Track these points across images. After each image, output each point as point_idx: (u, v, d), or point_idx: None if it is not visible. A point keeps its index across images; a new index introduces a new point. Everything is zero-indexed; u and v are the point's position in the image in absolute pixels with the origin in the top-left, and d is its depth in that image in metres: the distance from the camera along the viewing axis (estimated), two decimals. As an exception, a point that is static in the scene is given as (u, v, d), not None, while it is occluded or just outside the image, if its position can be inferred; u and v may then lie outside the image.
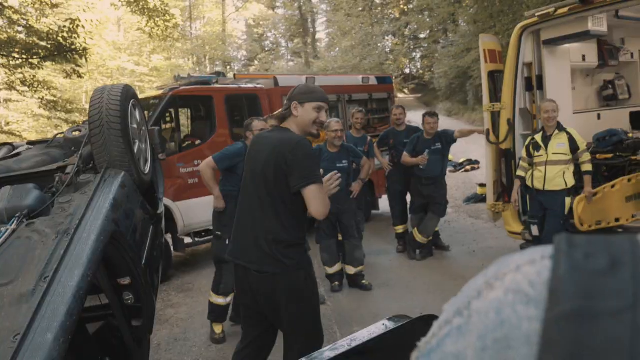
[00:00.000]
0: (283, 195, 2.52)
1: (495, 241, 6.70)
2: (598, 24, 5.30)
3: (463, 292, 0.37)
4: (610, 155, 5.43)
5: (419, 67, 36.04)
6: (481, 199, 8.95)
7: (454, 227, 7.76)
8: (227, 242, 4.29)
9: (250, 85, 7.48)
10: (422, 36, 33.73)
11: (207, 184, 4.40)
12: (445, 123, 11.63)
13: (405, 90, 33.45)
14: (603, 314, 0.29)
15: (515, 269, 0.34)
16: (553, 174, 4.61)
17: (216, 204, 4.38)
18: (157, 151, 3.36)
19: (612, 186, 4.74)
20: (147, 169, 2.83)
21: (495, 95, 5.54)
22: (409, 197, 6.51)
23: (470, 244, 6.74)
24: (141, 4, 13.12)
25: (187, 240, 6.52)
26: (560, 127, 4.67)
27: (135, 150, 2.56)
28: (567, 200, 4.61)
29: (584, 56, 6.23)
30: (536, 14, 5.16)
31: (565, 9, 4.92)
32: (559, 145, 4.63)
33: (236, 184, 4.35)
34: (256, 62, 39.01)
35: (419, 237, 6.12)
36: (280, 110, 2.71)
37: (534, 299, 0.32)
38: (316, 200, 2.46)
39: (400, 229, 6.60)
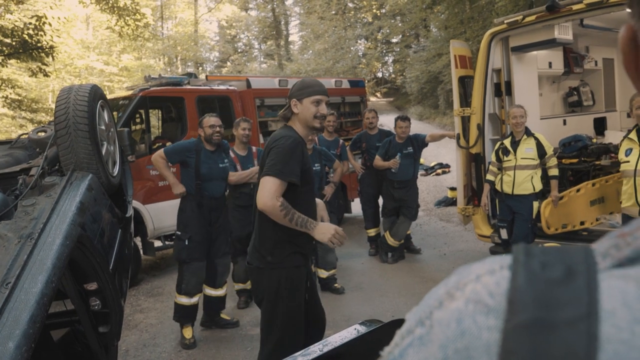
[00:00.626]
0: None
1: (466, 244, 6.81)
2: (564, 32, 5.45)
3: (425, 302, 0.38)
4: (575, 160, 5.58)
5: (391, 71, 36.44)
6: (452, 202, 9.09)
7: (425, 230, 7.85)
8: (187, 243, 4.25)
9: (222, 87, 7.42)
10: (394, 40, 34.08)
11: (162, 173, 4.47)
12: (416, 127, 11.77)
13: (378, 94, 33.74)
14: (559, 323, 0.29)
15: (475, 279, 0.35)
16: (521, 178, 4.71)
17: (175, 190, 4.34)
18: (126, 153, 3.31)
19: (577, 190, 4.87)
20: (116, 171, 2.78)
21: (466, 100, 5.63)
22: (381, 201, 6.56)
23: (441, 246, 6.83)
24: (111, 2, 12.89)
25: (157, 243, 6.42)
26: (528, 133, 4.78)
27: (103, 152, 2.51)
28: (535, 204, 4.71)
29: (550, 63, 6.40)
30: (505, 21, 5.28)
31: (533, 17, 5.04)
32: (527, 150, 4.73)
33: (191, 181, 4.31)
34: (229, 64, 38.77)
35: (390, 241, 6.16)
36: (282, 110, 2.75)
37: (494, 309, 0.32)
38: (262, 190, 2.47)
39: (372, 232, 6.64)
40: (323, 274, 5.35)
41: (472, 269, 0.36)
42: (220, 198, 4.48)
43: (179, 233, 4.35)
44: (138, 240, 6.22)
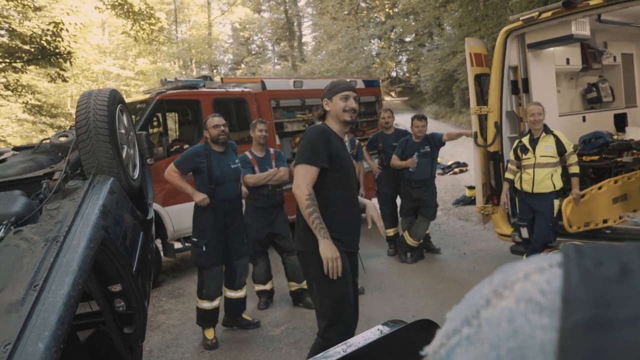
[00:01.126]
0: None
1: (485, 243, 6.75)
2: (581, 27, 5.37)
3: (468, 301, 0.37)
4: (596, 157, 5.49)
5: (405, 70, 36.25)
6: (470, 201, 9.02)
7: (444, 230, 7.80)
8: (204, 249, 4.24)
9: (237, 89, 7.46)
10: (407, 39, 33.92)
11: (179, 187, 4.38)
12: (432, 126, 11.70)
13: (392, 94, 33.60)
14: (619, 321, 0.29)
15: (524, 277, 0.34)
16: (541, 176, 4.64)
17: (197, 198, 4.26)
18: (145, 156, 3.33)
19: (599, 188, 4.79)
20: (136, 174, 2.80)
21: (482, 98, 5.58)
22: (398, 200, 6.53)
23: (461, 246, 6.77)
24: (126, 7, 13.04)
25: (177, 245, 6.47)
26: (546, 130, 4.72)
27: (124, 156, 2.54)
28: (556, 202, 4.64)
29: (568, 59, 6.31)
30: (520, 18, 5.21)
31: (549, 13, 4.97)
32: (546, 147, 4.67)
33: (206, 187, 4.29)
34: (243, 66, 38.92)
35: (409, 240, 6.13)
36: (317, 112, 3.02)
37: (547, 308, 0.31)
38: (295, 178, 2.73)
39: (390, 232, 6.61)
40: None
41: (517, 267, 0.36)
42: (234, 200, 4.44)
43: (195, 239, 4.34)
44: (158, 242, 6.29)
